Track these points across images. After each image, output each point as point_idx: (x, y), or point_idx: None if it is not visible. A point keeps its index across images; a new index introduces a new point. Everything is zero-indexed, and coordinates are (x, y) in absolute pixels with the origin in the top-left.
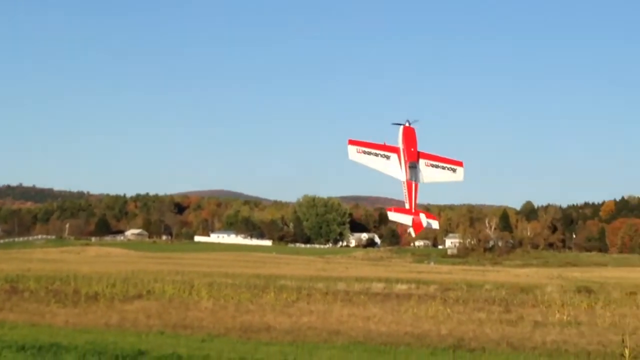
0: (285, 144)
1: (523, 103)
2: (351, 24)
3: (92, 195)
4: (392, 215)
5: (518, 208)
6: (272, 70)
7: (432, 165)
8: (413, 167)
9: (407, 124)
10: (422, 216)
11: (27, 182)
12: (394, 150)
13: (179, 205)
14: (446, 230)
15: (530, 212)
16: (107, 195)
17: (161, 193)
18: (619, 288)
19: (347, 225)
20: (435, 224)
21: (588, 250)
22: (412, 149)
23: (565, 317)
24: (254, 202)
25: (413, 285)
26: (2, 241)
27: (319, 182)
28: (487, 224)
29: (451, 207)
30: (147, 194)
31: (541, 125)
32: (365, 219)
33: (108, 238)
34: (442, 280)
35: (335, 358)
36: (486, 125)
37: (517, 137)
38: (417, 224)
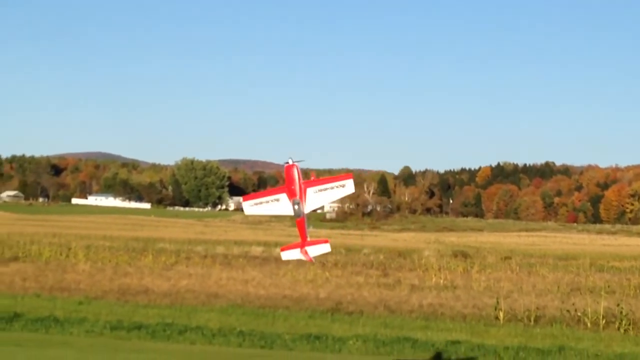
0: (163, 106)
1: (400, 68)
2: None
3: None
4: (285, 255)
5: (396, 173)
6: (155, 34)
7: (322, 190)
8: (297, 203)
9: (290, 162)
10: (310, 248)
11: None
12: (283, 190)
13: (56, 167)
14: None
15: (408, 177)
16: None
17: (37, 154)
18: (494, 253)
19: (226, 189)
20: (326, 248)
21: (464, 215)
22: (292, 187)
23: (441, 281)
24: (132, 165)
25: None
26: None
27: (198, 145)
28: (365, 189)
29: (330, 172)
30: (23, 155)
31: (418, 91)
32: (244, 183)
33: None
34: None
35: (214, 320)
36: (364, 89)
37: (394, 102)
38: (307, 256)
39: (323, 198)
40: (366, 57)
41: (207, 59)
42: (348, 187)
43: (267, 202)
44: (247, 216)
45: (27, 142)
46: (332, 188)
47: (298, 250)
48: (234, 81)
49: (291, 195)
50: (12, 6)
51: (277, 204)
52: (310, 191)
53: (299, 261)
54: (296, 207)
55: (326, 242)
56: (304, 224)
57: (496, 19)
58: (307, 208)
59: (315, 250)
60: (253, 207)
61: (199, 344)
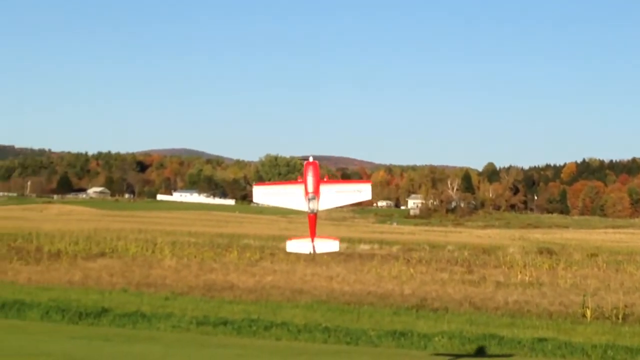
0: (247, 102)
1: (482, 64)
2: None
3: (53, 153)
4: (291, 246)
5: (480, 169)
6: (231, 30)
7: (338, 191)
8: (312, 199)
9: (310, 159)
10: (318, 244)
11: None
12: (299, 184)
13: (141, 164)
14: (408, 191)
15: (492, 173)
16: (69, 153)
17: (123, 151)
18: (579, 250)
19: None
20: (335, 246)
21: (549, 211)
22: (307, 183)
23: (527, 278)
24: (216, 161)
25: (376, 246)
26: None
27: (282, 141)
28: (449, 185)
29: (413, 168)
30: (109, 152)
31: (503, 87)
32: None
33: (70, 196)
34: (405, 240)
35: (299, 316)
36: (448, 86)
37: (479, 98)
38: (312, 249)
39: (338, 200)
40: (449, 55)
41: (289, 56)
42: (365, 193)
43: (280, 193)
44: (330, 213)
45: (113, 139)
46: (348, 191)
47: (307, 243)
48: (317, 78)
49: (306, 191)
50: None
51: (290, 197)
52: (325, 191)
53: (383, 257)
54: (311, 203)
55: (336, 240)
56: (315, 221)
57: (587, 11)
58: (321, 207)
59: (323, 246)
60: (265, 196)
61: (285, 339)
